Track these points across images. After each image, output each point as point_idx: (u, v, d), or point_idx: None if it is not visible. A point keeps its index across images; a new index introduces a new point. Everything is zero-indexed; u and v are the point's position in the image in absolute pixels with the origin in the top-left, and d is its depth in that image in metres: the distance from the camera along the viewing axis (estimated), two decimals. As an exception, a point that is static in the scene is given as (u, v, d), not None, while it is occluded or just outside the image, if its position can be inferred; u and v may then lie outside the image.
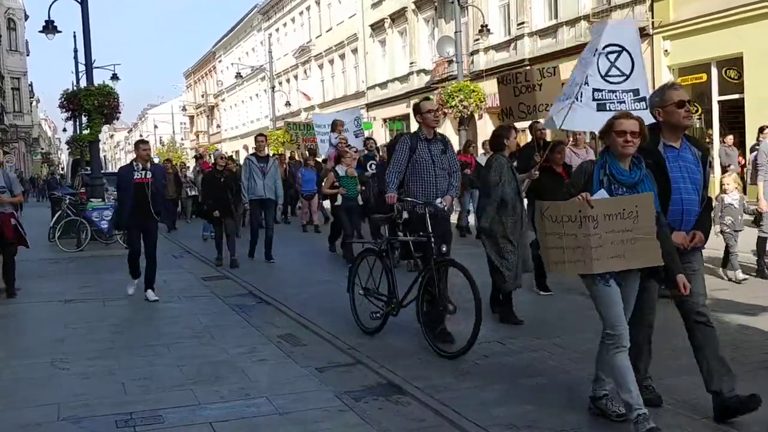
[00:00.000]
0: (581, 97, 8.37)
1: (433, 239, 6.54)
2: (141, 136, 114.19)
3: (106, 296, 9.73)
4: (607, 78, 8.47)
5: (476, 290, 6.07)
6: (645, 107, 7.06)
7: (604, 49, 8.47)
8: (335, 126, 15.86)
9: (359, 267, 7.34)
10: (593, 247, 4.21)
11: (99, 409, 5.07)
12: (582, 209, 4.21)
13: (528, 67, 10.93)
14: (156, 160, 79.96)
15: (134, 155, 9.78)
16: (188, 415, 4.92)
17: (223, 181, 12.48)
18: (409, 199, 6.93)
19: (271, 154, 13.76)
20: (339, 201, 12.36)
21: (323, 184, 13.60)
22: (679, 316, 4.74)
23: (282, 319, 8.13)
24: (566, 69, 24.05)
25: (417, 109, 7.15)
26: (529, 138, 10.82)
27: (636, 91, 8.47)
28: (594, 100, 8.39)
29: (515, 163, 9.70)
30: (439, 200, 6.90)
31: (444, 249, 6.49)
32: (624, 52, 8.55)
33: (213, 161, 13.12)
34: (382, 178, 14.24)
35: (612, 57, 8.49)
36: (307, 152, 21.48)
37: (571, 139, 12.63)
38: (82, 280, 11.24)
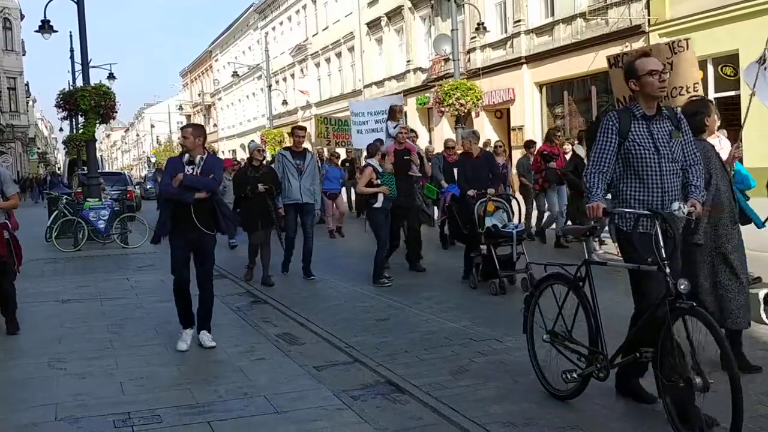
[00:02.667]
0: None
1: (668, 269, 4.30)
2: (138, 135, 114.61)
3: (103, 296, 9.72)
4: None
5: (728, 355, 4.03)
6: None
7: None
8: (393, 112, 13.14)
9: (539, 299, 5.30)
10: None
11: (96, 409, 5.07)
12: None
13: (653, 43, 8.85)
14: (153, 160, 79.52)
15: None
16: (186, 415, 4.92)
17: (263, 179, 10.21)
18: (628, 210, 4.60)
19: (309, 149, 11.46)
20: (379, 203, 9.99)
21: (359, 181, 11.03)
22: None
23: (280, 318, 8.13)
24: (562, 67, 23.90)
25: (631, 71, 4.69)
26: None
27: None
28: None
29: None
30: (676, 205, 4.41)
31: (684, 286, 4.18)
32: None
33: (248, 156, 10.99)
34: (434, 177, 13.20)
35: None
36: (330, 150, 20.56)
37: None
38: (79, 280, 11.22)
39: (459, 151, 12.68)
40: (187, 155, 6.66)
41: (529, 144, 14.07)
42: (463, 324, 7.36)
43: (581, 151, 10.70)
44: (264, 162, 10.79)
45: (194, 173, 6.55)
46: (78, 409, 5.11)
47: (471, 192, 9.64)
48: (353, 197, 22.14)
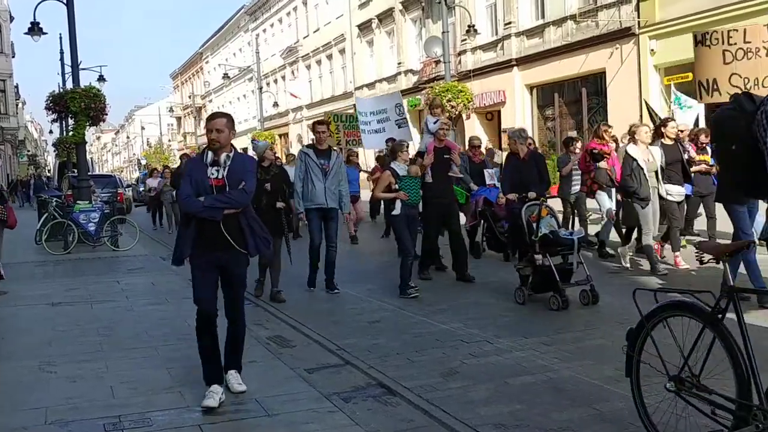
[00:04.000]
0: None
1: None
2: (128, 138, 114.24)
3: (94, 299, 9.69)
4: None
5: None
6: None
7: None
8: (434, 105, 11.57)
9: (652, 333, 4.12)
10: None
11: (87, 413, 5.05)
12: None
13: (747, 25, 8.57)
14: (143, 163, 79.22)
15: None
16: (177, 418, 4.91)
17: (271, 183, 9.00)
18: None
19: (333, 147, 10.25)
20: (398, 209, 9.17)
21: (375, 186, 10.14)
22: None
23: (271, 320, 8.12)
24: (553, 70, 24.05)
25: None
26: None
27: None
28: None
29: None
30: None
31: None
32: None
33: (256, 156, 9.39)
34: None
35: None
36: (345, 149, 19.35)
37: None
38: (69, 282, 11.18)
39: (484, 150, 12.30)
40: (210, 153, 5.24)
41: (569, 141, 12.63)
42: (454, 326, 7.37)
43: (636, 152, 9.43)
44: (275, 162, 9.60)
45: (219, 177, 5.19)
46: (68, 412, 5.09)
47: (511, 195, 8.95)
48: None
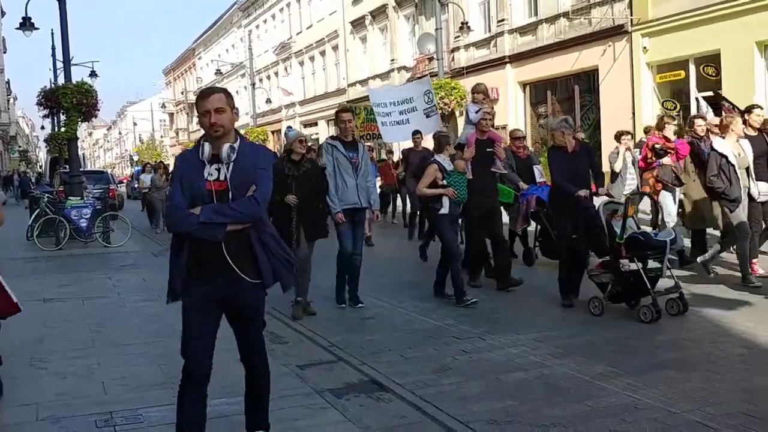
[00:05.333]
0: None
1: None
2: (120, 134, 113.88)
3: (86, 295, 9.66)
4: None
5: None
6: None
7: None
8: (476, 91, 9.86)
9: None
10: None
11: (78, 409, 5.04)
12: None
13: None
14: (136, 158, 78.74)
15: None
16: (169, 414, 4.88)
17: (306, 178, 7.80)
18: None
19: (359, 139, 9.03)
20: (445, 208, 8.21)
21: (421, 180, 8.55)
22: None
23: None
24: (545, 67, 24.13)
25: None
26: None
27: None
28: None
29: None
30: None
31: None
32: None
33: (285, 149, 8.41)
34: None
35: None
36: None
37: None
38: (61, 278, 11.15)
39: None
40: (207, 146, 3.83)
41: (621, 135, 11.35)
42: (446, 322, 7.38)
43: (725, 147, 8.38)
44: (307, 156, 8.22)
45: (221, 179, 3.81)
46: (60, 408, 5.08)
47: (583, 192, 7.67)
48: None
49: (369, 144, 15.60)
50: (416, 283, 9.47)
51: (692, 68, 19.15)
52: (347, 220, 8.10)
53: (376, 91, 17.72)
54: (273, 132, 50.53)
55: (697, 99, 13.22)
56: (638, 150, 11.81)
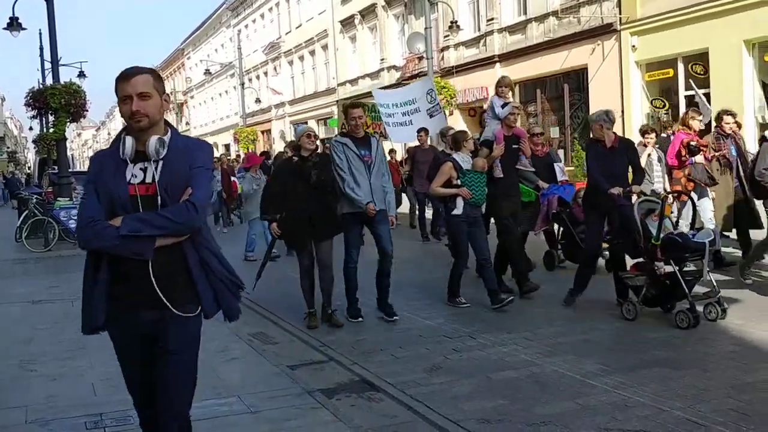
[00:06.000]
0: None
1: None
2: (109, 134, 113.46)
3: (75, 296, 9.55)
4: None
5: None
6: None
7: None
8: (502, 84, 9.07)
9: None
10: None
11: (68, 411, 5.01)
12: None
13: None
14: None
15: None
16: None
17: (314, 175, 7.28)
18: None
19: (372, 134, 8.37)
20: (459, 209, 7.83)
21: (434, 180, 8.18)
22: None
23: (254, 317, 8.09)
24: (535, 66, 24.16)
25: None
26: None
27: None
28: None
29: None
30: None
31: None
32: None
33: (291, 144, 7.65)
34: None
35: None
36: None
37: None
38: (50, 280, 11.09)
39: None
40: (130, 141, 3.09)
41: (645, 131, 10.73)
42: (437, 321, 7.38)
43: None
44: (316, 152, 7.64)
45: (147, 182, 3.10)
46: (49, 410, 5.05)
47: (615, 190, 7.19)
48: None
49: None
50: (407, 282, 9.46)
51: (681, 67, 19.21)
52: (359, 226, 7.60)
53: (380, 93, 17.47)
54: (263, 132, 50.44)
55: (695, 95, 12.99)
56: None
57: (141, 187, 3.10)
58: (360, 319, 7.61)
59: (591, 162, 7.59)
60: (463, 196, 7.76)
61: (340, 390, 5.38)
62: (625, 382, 5.16)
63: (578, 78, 22.97)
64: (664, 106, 19.89)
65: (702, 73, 18.36)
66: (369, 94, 34.54)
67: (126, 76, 3.10)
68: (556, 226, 10.19)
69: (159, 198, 3.08)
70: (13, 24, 20.11)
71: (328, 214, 7.38)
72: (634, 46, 20.34)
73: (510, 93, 9.07)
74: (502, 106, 8.69)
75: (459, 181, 7.81)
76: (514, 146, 8.57)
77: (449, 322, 7.33)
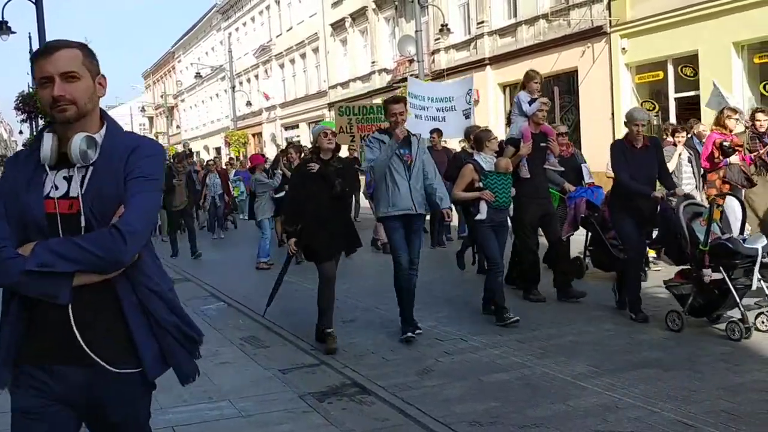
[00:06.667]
0: None
1: None
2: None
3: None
4: None
5: None
6: None
7: None
8: (530, 79, 8.41)
9: None
10: None
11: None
12: None
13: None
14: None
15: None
16: (155, 418, 4.83)
17: (338, 185, 6.58)
18: None
19: (413, 133, 7.26)
20: (483, 213, 7.27)
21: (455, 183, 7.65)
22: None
23: (244, 321, 8.08)
24: (525, 69, 24.15)
25: None
26: None
27: None
28: None
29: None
30: None
31: None
32: None
33: (310, 146, 7.18)
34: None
35: None
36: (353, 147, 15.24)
37: None
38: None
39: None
40: (50, 140, 2.39)
41: (675, 131, 10.23)
42: (428, 324, 7.37)
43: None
44: (337, 153, 7.01)
45: (71, 195, 2.35)
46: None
47: (658, 193, 6.91)
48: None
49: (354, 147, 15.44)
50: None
51: (670, 69, 19.28)
52: (403, 228, 6.85)
53: (415, 82, 16.48)
54: (254, 135, 50.37)
55: (714, 84, 12.50)
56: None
57: (62, 203, 2.31)
58: (419, 330, 6.91)
59: (619, 163, 7.05)
60: (485, 199, 7.24)
61: (332, 393, 5.37)
62: (616, 384, 5.18)
63: (568, 80, 23.03)
64: (654, 108, 19.96)
65: (691, 75, 18.44)
66: (359, 97, 34.67)
67: (46, 52, 2.37)
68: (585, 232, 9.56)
69: (83, 218, 2.29)
70: (2, 27, 20.03)
71: (350, 226, 6.95)
72: (624, 48, 20.40)
73: (539, 88, 8.38)
74: (530, 102, 8.19)
75: (481, 184, 7.33)
76: (541, 144, 8.16)
77: (440, 325, 7.33)
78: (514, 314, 7.16)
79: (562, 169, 8.97)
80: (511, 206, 7.82)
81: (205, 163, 22.65)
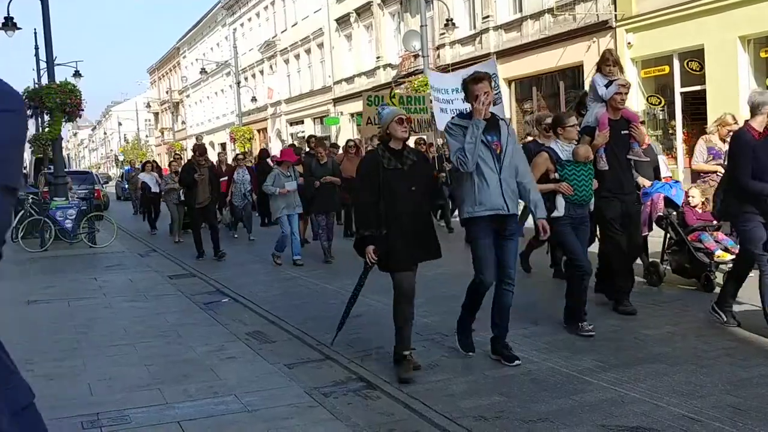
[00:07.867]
0: None
1: None
2: (105, 134, 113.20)
3: (71, 296, 9.60)
4: None
5: None
6: None
7: None
8: (606, 60, 7.25)
9: None
10: None
11: (64, 411, 5.00)
12: None
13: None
14: (121, 159, 77.62)
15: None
16: (156, 415, 4.87)
17: (413, 175, 5.64)
18: None
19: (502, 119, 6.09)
20: (560, 210, 6.43)
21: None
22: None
23: (250, 316, 8.10)
24: (530, 63, 24.14)
25: None
26: None
27: None
28: None
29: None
30: None
31: None
32: None
33: (379, 136, 6.10)
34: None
35: None
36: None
37: None
38: (46, 280, 11.07)
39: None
40: None
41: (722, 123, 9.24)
42: (434, 319, 7.38)
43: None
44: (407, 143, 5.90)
45: None
46: (45, 410, 4.98)
47: None
48: None
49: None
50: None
51: (676, 63, 19.23)
52: (492, 233, 5.70)
53: (435, 74, 15.87)
54: (259, 131, 50.39)
55: None
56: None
57: None
58: (518, 361, 5.74)
59: (739, 157, 6.10)
60: (563, 192, 6.41)
61: (337, 388, 5.38)
62: (621, 379, 5.17)
63: (574, 75, 22.98)
64: (660, 102, 19.92)
65: (698, 69, 18.39)
66: (365, 92, 34.60)
67: None
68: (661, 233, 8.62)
69: None
70: (8, 24, 20.06)
71: (431, 233, 5.83)
72: (629, 43, 20.35)
73: (618, 70, 7.25)
74: (606, 86, 7.14)
75: (557, 175, 6.49)
76: (623, 132, 7.11)
77: (446, 320, 7.32)
78: (592, 324, 6.46)
79: (648, 159, 7.97)
80: (592, 202, 6.83)
81: (234, 157, 21.42)
